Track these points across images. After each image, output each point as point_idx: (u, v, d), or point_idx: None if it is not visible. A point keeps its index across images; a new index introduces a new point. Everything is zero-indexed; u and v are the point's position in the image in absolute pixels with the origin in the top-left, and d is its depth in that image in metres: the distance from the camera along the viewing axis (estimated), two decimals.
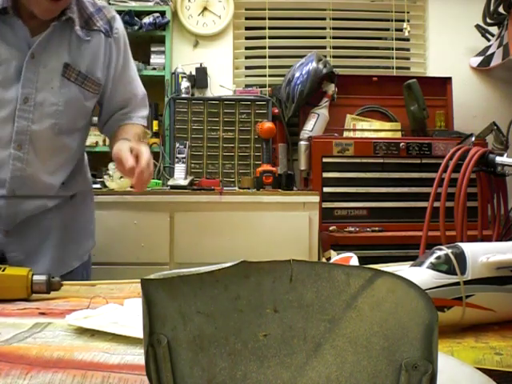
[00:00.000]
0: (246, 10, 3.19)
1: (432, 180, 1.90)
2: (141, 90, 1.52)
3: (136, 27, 2.77)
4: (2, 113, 1.28)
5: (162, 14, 2.84)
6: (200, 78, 2.93)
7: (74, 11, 1.31)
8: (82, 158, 1.52)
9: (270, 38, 3.12)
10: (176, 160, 2.49)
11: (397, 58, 3.17)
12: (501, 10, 2.77)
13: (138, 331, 0.72)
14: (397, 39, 3.17)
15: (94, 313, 0.86)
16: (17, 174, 1.30)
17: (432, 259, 0.74)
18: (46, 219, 1.40)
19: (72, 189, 1.46)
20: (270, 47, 3.12)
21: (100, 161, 2.37)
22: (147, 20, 2.80)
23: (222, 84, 2.96)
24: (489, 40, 2.98)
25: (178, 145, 2.52)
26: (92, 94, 1.38)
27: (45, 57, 1.29)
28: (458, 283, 0.71)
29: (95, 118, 1.55)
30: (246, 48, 3.19)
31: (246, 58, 3.18)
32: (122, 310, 0.89)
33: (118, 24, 1.42)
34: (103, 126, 1.52)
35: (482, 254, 0.74)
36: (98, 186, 2.25)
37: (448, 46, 3.09)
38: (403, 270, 0.76)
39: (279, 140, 2.83)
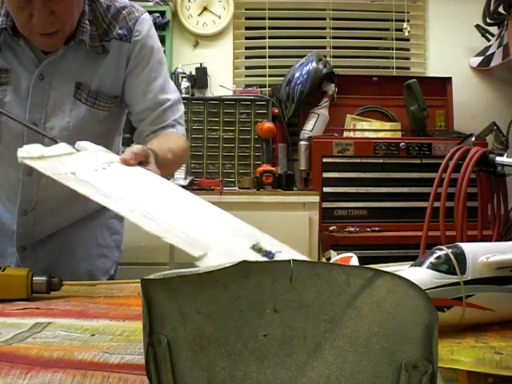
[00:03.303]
0: (246, 10, 3.19)
1: (432, 180, 1.90)
2: (169, 98, 1.30)
3: None
4: (12, 136, 1.20)
5: (162, 14, 2.84)
6: (200, 77, 2.93)
7: (86, 30, 1.18)
8: None
9: (269, 38, 3.12)
10: None
11: (397, 58, 3.17)
12: (501, 10, 2.77)
13: (95, 189, 0.74)
14: (397, 39, 3.17)
15: (49, 152, 0.83)
16: (27, 198, 1.23)
17: (432, 259, 0.74)
18: (68, 235, 1.34)
19: (97, 203, 1.39)
20: (270, 47, 3.12)
21: None
22: None
23: (222, 84, 2.96)
24: (489, 40, 2.98)
25: None
26: (106, 113, 1.26)
27: (56, 78, 1.19)
28: (458, 283, 0.71)
29: None
30: (246, 48, 3.19)
31: (246, 58, 3.18)
32: (79, 156, 0.88)
33: (141, 25, 1.25)
34: (134, 137, 1.33)
35: (482, 254, 0.74)
36: None
37: (448, 46, 3.09)
38: (403, 269, 0.76)
39: (279, 140, 2.83)
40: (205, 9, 3.02)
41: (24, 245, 1.29)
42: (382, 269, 0.43)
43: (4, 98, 1.19)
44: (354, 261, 0.87)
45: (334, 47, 3.16)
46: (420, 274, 0.71)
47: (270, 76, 3.10)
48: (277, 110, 2.80)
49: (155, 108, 1.28)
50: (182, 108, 1.36)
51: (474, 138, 2.20)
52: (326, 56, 2.97)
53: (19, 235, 1.28)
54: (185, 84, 2.80)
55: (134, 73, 1.26)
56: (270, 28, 3.13)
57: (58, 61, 1.19)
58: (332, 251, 2.18)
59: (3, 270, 0.99)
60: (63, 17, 1.10)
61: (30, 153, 0.81)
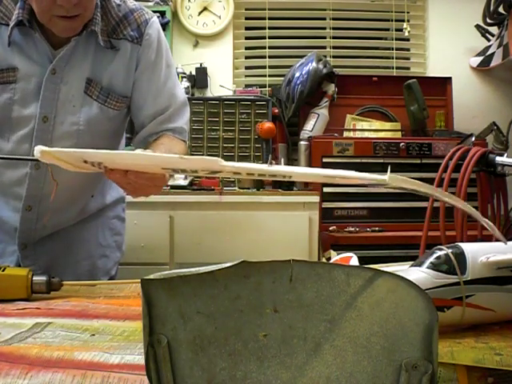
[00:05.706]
0: (246, 10, 3.18)
1: (432, 180, 1.90)
2: (178, 100, 1.34)
3: None
4: (22, 131, 1.21)
5: (162, 14, 2.84)
6: (200, 78, 2.93)
7: (98, 22, 1.20)
8: None
9: (269, 38, 3.12)
10: None
11: (397, 58, 3.17)
12: (501, 10, 2.77)
13: None
14: (397, 39, 3.16)
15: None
16: (33, 193, 1.24)
17: (432, 259, 0.74)
18: (69, 234, 1.34)
19: (99, 203, 1.39)
20: (270, 47, 3.12)
21: None
22: None
23: (222, 84, 2.96)
24: (489, 40, 2.98)
25: None
26: (116, 112, 1.27)
27: (67, 72, 1.21)
28: (457, 283, 0.71)
29: None
30: (246, 48, 3.19)
31: (246, 58, 3.18)
32: None
33: (151, 29, 1.28)
34: (135, 141, 1.35)
35: (482, 254, 0.74)
36: None
37: (448, 46, 3.08)
38: (403, 270, 0.76)
39: (279, 140, 2.83)
40: (205, 9, 3.02)
41: (25, 242, 1.29)
42: (381, 269, 0.43)
43: (14, 96, 1.20)
44: (354, 261, 0.87)
45: (334, 47, 3.16)
46: (420, 274, 0.72)
47: (270, 76, 3.09)
48: (277, 110, 2.80)
49: (164, 111, 1.30)
50: (188, 110, 1.37)
51: (473, 138, 2.20)
52: (326, 56, 2.97)
53: (21, 232, 1.28)
54: (185, 84, 2.80)
55: (144, 76, 1.28)
56: (270, 28, 3.13)
57: (69, 54, 1.20)
58: (332, 251, 2.18)
59: (3, 270, 0.99)
60: (86, 1, 1.12)
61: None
